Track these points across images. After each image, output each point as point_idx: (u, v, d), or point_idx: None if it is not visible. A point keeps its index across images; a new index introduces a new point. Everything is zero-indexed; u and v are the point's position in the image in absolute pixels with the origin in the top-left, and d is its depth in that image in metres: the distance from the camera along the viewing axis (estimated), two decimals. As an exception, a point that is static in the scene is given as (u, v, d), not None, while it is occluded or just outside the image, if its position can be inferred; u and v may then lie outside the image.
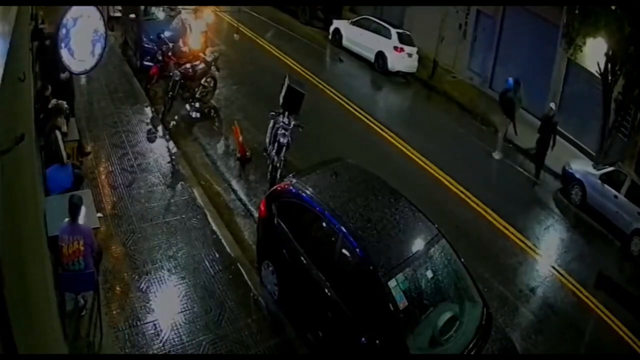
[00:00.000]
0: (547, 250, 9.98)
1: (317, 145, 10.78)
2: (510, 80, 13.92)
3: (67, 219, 5.63)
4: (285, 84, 9.71)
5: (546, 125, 12.44)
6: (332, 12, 20.27)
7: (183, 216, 8.18)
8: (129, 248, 7.32)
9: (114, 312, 6.27)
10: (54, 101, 7.80)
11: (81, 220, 5.70)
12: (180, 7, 14.54)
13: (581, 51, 13.34)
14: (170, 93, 11.12)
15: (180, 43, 11.83)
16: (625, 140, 13.00)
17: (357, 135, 12.40)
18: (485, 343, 5.90)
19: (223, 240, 7.80)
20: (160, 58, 11.76)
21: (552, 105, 12.69)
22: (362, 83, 16.60)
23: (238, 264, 7.39)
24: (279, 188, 7.11)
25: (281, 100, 9.67)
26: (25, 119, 3.86)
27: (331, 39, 18.87)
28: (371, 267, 5.72)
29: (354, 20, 18.52)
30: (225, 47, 15.22)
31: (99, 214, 7.42)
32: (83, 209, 5.73)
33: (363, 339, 5.60)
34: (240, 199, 9.21)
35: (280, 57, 16.09)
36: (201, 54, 11.83)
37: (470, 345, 5.75)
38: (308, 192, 6.63)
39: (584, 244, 10.51)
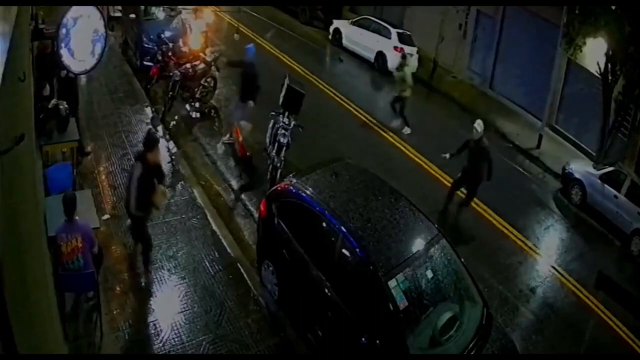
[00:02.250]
0: (547, 250, 9.98)
1: (317, 145, 10.78)
2: (252, 47, 10.47)
3: (64, 219, 5.61)
4: (285, 84, 9.72)
5: (474, 152, 9.59)
6: (332, 12, 20.24)
7: (183, 216, 8.18)
8: (129, 248, 7.32)
9: (114, 312, 6.27)
10: (54, 101, 7.80)
11: (80, 216, 5.69)
12: (180, 7, 14.53)
13: (581, 51, 13.33)
14: (170, 93, 11.12)
15: (180, 43, 11.83)
16: (626, 140, 13.00)
17: (357, 135, 12.40)
18: (485, 343, 5.91)
19: (223, 240, 7.81)
20: (160, 58, 11.77)
21: (478, 125, 9.50)
22: (362, 83, 16.59)
23: (238, 264, 7.40)
24: (279, 188, 7.12)
25: (281, 100, 9.68)
26: (25, 119, 3.87)
27: (331, 39, 18.87)
28: (371, 267, 5.72)
29: (354, 20, 18.51)
30: (225, 47, 15.21)
31: (106, 215, 7.46)
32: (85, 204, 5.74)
33: (363, 339, 5.61)
34: (240, 199, 9.21)
35: (280, 56, 16.09)
36: (201, 54, 11.83)
37: (470, 345, 5.75)
38: (308, 192, 6.63)
39: (584, 244, 10.50)
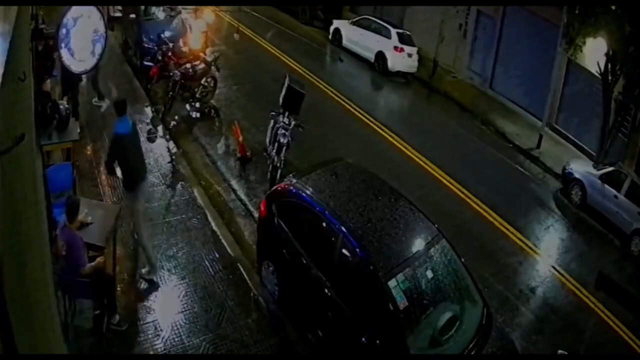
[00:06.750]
0: (547, 250, 9.98)
1: (317, 145, 10.78)
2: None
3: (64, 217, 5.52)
4: (285, 84, 9.72)
5: None
6: (332, 12, 20.26)
7: (183, 216, 8.18)
8: (129, 248, 7.32)
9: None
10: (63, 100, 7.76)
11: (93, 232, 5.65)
12: (180, 7, 14.53)
13: (581, 51, 13.34)
14: (171, 93, 11.12)
15: (180, 43, 11.83)
16: (626, 140, 13.01)
17: (357, 135, 12.40)
18: (485, 343, 5.90)
19: (223, 240, 7.80)
20: (160, 58, 11.76)
21: None
22: (362, 83, 16.60)
23: (238, 264, 7.39)
24: (279, 188, 7.12)
25: (281, 100, 9.68)
26: (25, 119, 3.86)
27: (331, 39, 18.87)
28: (371, 267, 5.72)
29: (354, 20, 18.51)
30: (225, 47, 15.22)
31: None
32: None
33: (363, 338, 5.60)
34: (240, 199, 9.21)
35: (280, 56, 16.09)
36: (201, 54, 11.83)
37: (470, 345, 5.75)
38: (308, 192, 6.63)
39: (584, 244, 10.50)
